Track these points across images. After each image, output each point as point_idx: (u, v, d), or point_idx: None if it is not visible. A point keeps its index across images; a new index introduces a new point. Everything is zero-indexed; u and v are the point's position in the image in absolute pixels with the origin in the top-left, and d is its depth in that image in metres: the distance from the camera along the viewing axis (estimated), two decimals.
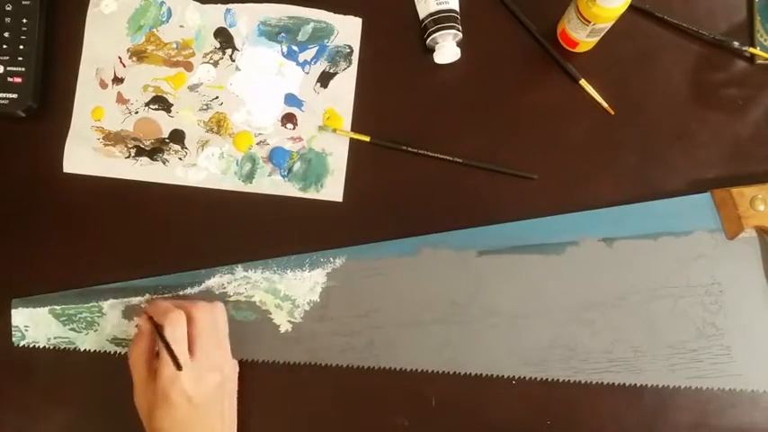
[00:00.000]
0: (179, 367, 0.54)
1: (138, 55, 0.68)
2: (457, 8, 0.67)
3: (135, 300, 0.65)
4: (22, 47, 0.66)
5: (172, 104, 0.68)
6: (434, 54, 0.67)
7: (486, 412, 0.64)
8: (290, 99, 0.68)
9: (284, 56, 0.69)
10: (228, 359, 0.62)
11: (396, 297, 0.64)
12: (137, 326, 0.62)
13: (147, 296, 0.65)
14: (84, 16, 0.68)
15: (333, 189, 0.67)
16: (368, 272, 0.65)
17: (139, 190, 0.67)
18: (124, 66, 0.68)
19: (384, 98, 0.68)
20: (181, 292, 0.64)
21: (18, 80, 0.66)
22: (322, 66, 0.68)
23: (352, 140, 0.67)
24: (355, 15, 0.69)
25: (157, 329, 0.57)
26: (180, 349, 0.56)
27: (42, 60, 0.67)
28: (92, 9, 0.69)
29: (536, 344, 0.64)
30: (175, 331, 0.56)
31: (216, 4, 0.69)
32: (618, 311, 0.63)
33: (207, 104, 0.68)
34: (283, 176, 0.67)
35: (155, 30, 0.69)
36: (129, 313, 0.64)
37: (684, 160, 0.67)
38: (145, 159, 0.67)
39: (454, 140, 0.67)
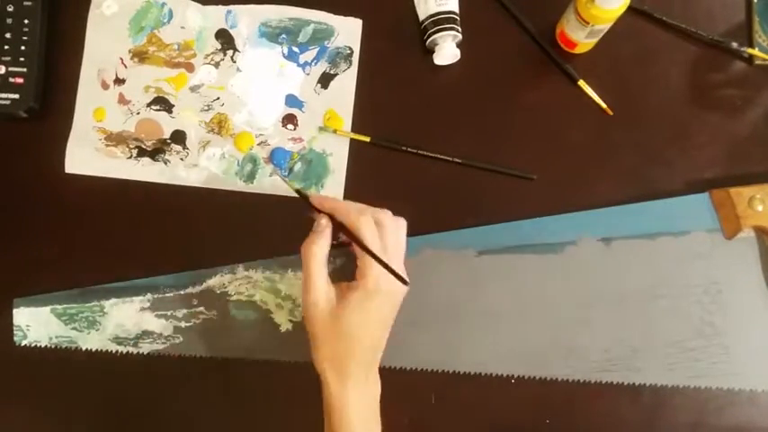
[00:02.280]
0: (405, 282, 0.52)
1: (140, 56, 0.69)
2: (456, 9, 0.67)
3: (137, 299, 0.65)
4: (23, 47, 0.66)
5: (173, 105, 0.68)
6: (434, 55, 0.67)
7: (486, 411, 0.64)
8: (291, 100, 0.68)
9: (285, 57, 0.69)
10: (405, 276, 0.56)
11: None
12: (317, 222, 0.56)
13: (149, 295, 0.65)
14: (85, 17, 0.69)
15: (333, 189, 0.67)
16: None
17: (141, 190, 0.67)
18: (126, 67, 0.69)
19: (384, 99, 0.68)
20: (182, 292, 0.65)
21: (20, 81, 0.66)
22: (322, 67, 0.69)
23: (352, 141, 0.68)
24: (355, 17, 0.69)
25: (349, 233, 0.54)
26: (376, 247, 0.53)
27: (44, 61, 0.68)
28: (93, 10, 0.69)
29: (535, 343, 0.64)
30: (370, 230, 0.54)
31: (217, 5, 0.69)
32: (616, 311, 0.64)
33: (208, 105, 0.68)
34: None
35: (156, 31, 0.69)
36: None
37: (683, 160, 0.67)
38: (146, 160, 0.67)
39: (454, 141, 0.67)
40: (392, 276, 0.53)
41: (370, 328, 0.55)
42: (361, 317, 0.53)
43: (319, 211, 0.56)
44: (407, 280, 0.53)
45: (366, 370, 0.55)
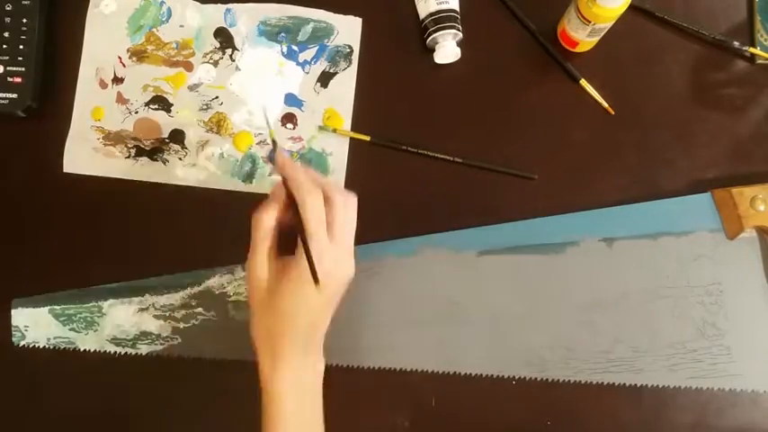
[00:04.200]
0: (317, 281, 0.49)
1: (138, 55, 0.68)
2: (457, 8, 0.67)
3: (135, 300, 0.65)
4: (21, 47, 0.66)
5: (172, 104, 0.68)
6: (434, 54, 0.67)
7: (486, 412, 0.64)
8: (291, 99, 0.68)
9: (284, 56, 0.69)
10: (352, 251, 0.54)
11: (396, 297, 0.64)
12: (272, 189, 0.55)
13: (147, 296, 0.65)
14: (83, 16, 0.68)
15: None
16: (368, 272, 0.64)
17: (139, 190, 0.67)
18: (124, 66, 0.68)
19: (384, 98, 0.68)
20: (181, 292, 0.65)
21: (18, 80, 0.66)
22: (322, 66, 0.68)
23: (352, 140, 0.67)
24: (355, 15, 0.69)
25: (294, 208, 0.51)
26: (320, 228, 0.51)
27: (42, 60, 0.67)
28: (92, 9, 0.69)
29: (536, 344, 0.64)
30: (316, 210, 0.51)
31: (216, 3, 0.69)
32: (618, 311, 0.63)
33: (207, 104, 0.68)
34: None
35: (155, 29, 0.69)
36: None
37: (684, 160, 0.67)
38: (145, 159, 0.67)
39: (454, 140, 0.67)
40: (340, 258, 0.52)
41: (308, 306, 0.52)
42: (298, 296, 0.51)
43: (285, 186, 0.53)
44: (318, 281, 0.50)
45: (303, 350, 0.52)
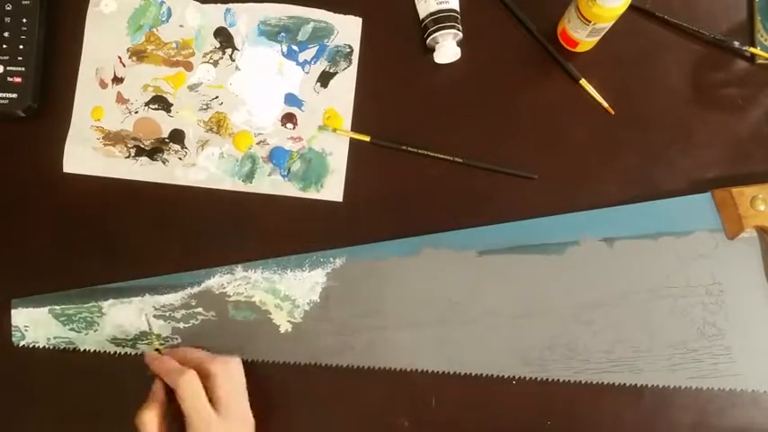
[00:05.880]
0: None
1: (138, 55, 0.68)
2: (457, 8, 0.67)
3: (135, 300, 0.65)
4: (21, 47, 0.66)
5: (172, 104, 0.68)
6: (434, 54, 0.67)
7: (486, 412, 0.64)
8: (290, 99, 0.68)
9: (284, 55, 0.69)
10: (249, 415, 0.60)
11: (396, 297, 0.64)
12: (152, 388, 0.58)
13: (147, 296, 0.65)
14: (84, 16, 0.68)
15: (333, 189, 0.67)
16: (368, 272, 0.65)
17: (139, 190, 0.67)
18: (124, 65, 0.68)
19: (384, 98, 0.68)
20: (180, 292, 0.64)
21: (18, 80, 0.66)
22: (322, 65, 0.68)
23: (352, 140, 0.67)
24: (355, 15, 0.69)
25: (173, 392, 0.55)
26: (200, 405, 0.55)
27: (42, 60, 0.67)
28: (92, 9, 0.69)
29: (536, 344, 0.64)
30: (190, 389, 0.55)
31: (216, 3, 0.69)
32: (618, 311, 0.63)
33: (207, 104, 0.68)
34: (283, 176, 0.67)
35: (155, 29, 0.69)
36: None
37: (685, 160, 0.67)
38: (145, 159, 0.67)
39: (454, 140, 0.67)
40: (232, 427, 0.55)
41: None
42: None
43: (160, 380, 0.57)
44: None
45: None
